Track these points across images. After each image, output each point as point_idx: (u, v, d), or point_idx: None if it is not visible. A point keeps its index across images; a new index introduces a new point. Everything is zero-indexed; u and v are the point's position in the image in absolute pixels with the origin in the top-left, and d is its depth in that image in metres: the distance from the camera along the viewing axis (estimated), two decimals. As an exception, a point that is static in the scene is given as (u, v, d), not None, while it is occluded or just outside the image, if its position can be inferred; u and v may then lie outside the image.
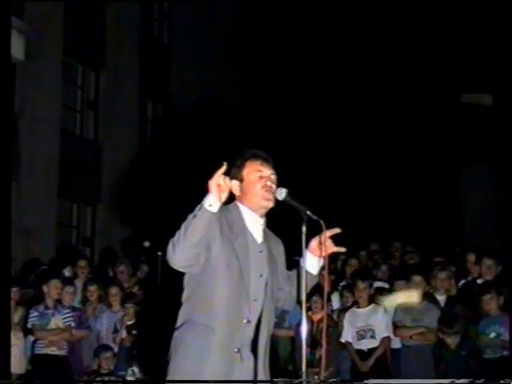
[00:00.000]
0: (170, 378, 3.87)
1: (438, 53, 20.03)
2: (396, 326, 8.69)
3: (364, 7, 20.77)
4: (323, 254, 3.97)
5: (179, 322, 3.96)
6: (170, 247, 3.74)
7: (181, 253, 3.71)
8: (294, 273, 4.15)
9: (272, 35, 21.11)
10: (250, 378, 3.87)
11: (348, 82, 21.37)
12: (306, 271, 3.95)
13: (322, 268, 4.10)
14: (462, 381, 6.72)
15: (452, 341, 7.98)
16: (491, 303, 8.13)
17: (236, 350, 3.85)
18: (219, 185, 3.65)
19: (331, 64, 21.35)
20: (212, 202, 3.65)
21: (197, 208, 3.69)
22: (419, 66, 20.39)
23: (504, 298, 8.23)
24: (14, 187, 14.53)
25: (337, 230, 3.98)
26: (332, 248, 4.01)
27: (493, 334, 8.02)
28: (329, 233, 3.94)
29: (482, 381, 6.30)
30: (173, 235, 3.81)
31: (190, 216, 3.70)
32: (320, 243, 3.95)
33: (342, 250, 4.06)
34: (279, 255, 4.14)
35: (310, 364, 4.09)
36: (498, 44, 17.68)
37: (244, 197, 4.02)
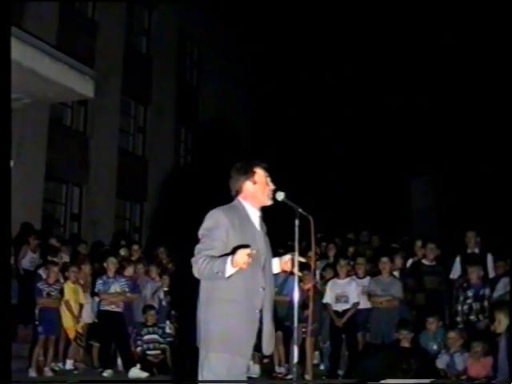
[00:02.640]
0: (207, 343, 3.71)
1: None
2: (370, 295, 8.65)
3: (364, 8, 18.97)
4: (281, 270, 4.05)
5: (203, 298, 3.79)
6: (194, 270, 3.68)
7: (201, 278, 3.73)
8: None
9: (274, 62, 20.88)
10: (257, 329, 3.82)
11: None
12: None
13: (309, 251, 4.06)
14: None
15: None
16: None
17: (257, 311, 3.78)
18: (243, 264, 3.54)
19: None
20: (230, 272, 3.57)
21: (220, 269, 3.55)
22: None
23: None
24: (85, 189, 14.64)
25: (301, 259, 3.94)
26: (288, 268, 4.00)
27: None
28: (289, 261, 3.97)
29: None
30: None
31: (214, 270, 3.57)
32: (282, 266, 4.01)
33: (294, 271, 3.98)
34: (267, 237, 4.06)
35: (300, 320, 4.05)
36: (498, 51, 16.22)
37: (251, 195, 3.92)
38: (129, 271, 9.40)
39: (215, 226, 3.74)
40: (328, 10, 19.72)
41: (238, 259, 3.49)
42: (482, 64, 17.44)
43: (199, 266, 3.64)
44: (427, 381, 6.08)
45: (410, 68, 19.10)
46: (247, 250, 3.51)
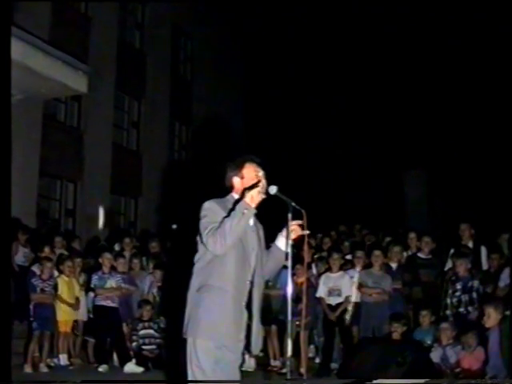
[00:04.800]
0: (195, 329, 3.71)
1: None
2: (360, 286, 8.61)
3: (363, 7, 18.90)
4: (291, 238, 3.85)
5: (196, 286, 3.78)
6: (216, 241, 3.65)
7: (228, 245, 3.66)
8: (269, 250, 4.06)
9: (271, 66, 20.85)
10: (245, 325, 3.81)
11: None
12: (277, 247, 3.94)
13: (303, 243, 4.02)
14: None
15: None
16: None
17: (244, 303, 3.80)
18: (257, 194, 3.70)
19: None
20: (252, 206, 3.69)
21: (241, 208, 3.64)
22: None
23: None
24: (79, 185, 14.59)
25: (300, 222, 3.86)
26: (299, 232, 3.89)
27: None
28: (295, 222, 3.85)
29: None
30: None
31: (237, 216, 3.63)
32: (288, 230, 3.87)
33: (306, 232, 3.89)
34: (262, 236, 4.01)
35: (294, 314, 4.02)
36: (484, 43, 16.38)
37: (239, 190, 3.89)
38: (121, 266, 9.34)
39: (214, 209, 3.77)
40: (325, 5, 19.64)
41: (253, 193, 3.67)
42: (474, 60, 17.46)
43: (220, 230, 3.64)
44: (421, 381, 6.07)
45: (404, 64, 19.11)
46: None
